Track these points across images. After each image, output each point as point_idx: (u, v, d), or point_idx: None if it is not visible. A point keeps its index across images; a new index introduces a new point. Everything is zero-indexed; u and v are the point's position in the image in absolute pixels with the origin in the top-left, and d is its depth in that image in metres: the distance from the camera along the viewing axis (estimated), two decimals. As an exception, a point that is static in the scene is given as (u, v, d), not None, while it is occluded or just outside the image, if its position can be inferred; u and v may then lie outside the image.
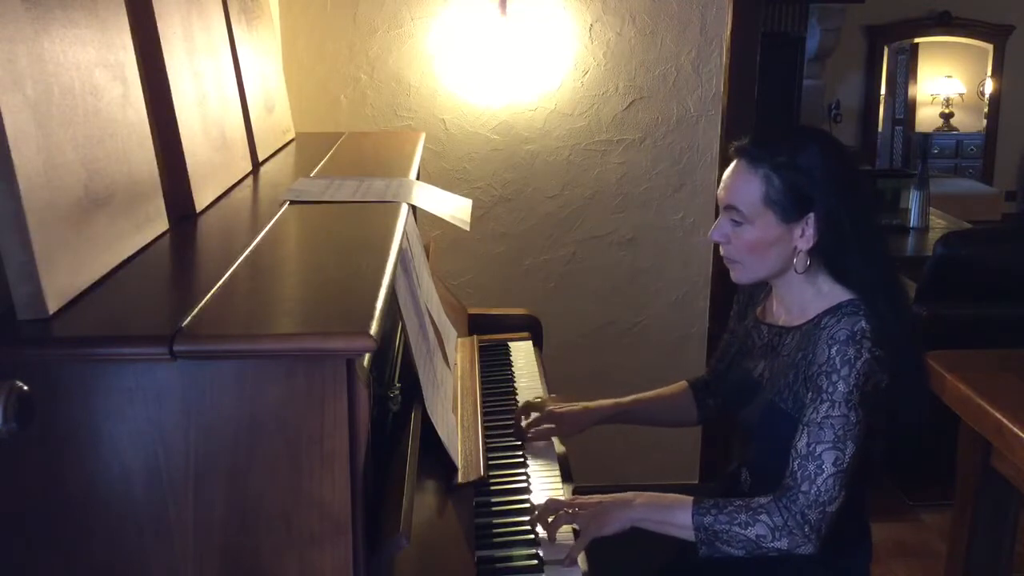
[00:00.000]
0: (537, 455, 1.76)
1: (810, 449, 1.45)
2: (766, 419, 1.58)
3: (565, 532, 1.50)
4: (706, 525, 1.47)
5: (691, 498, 1.51)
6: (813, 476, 1.44)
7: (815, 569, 1.58)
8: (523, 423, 1.81)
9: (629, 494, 1.54)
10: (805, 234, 1.52)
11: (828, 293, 1.55)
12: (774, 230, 1.53)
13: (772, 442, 1.54)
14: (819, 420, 1.45)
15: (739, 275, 1.61)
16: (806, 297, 1.57)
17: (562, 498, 1.55)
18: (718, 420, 1.98)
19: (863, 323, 1.47)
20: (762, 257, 1.55)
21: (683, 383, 1.90)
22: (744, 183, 1.53)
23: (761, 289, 1.72)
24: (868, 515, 1.68)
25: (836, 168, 1.53)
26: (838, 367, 1.45)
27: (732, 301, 1.84)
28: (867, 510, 1.68)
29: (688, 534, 1.48)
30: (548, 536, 1.48)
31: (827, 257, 1.54)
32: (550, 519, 1.49)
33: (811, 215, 1.51)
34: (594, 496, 1.54)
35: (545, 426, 1.80)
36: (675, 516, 1.49)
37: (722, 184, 1.58)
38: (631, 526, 1.51)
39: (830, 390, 1.45)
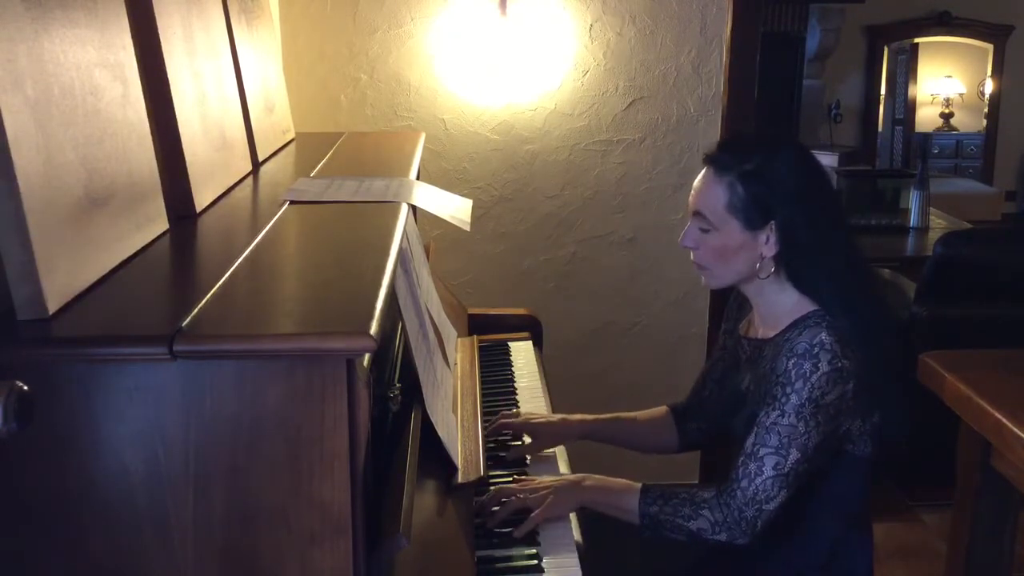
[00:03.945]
0: (537, 456, 1.75)
1: (754, 450, 1.50)
2: (750, 430, 1.58)
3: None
4: (651, 514, 1.53)
5: (639, 485, 1.56)
6: (753, 475, 1.49)
7: (816, 574, 1.58)
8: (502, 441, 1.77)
9: (578, 476, 1.60)
10: (769, 241, 1.54)
11: (797, 304, 1.56)
12: (738, 237, 1.54)
13: None
14: (767, 424, 1.49)
15: (708, 281, 1.63)
16: (778, 309, 1.59)
17: (512, 486, 1.55)
18: (702, 445, 1.97)
19: (823, 335, 1.48)
20: (728, 263, 1.57)
21: (663, 408, 1.87)
22: (710, 190, 1.56)
23: (747, 304, 1.72)
24: (870, 518, 1.68)
25: (801, 179, 1.54)
26: (792, 380, 1.48)
27: (731, 303, 1.81)
28: (869, 513, 1.68)
29: (634, 519, 1.54)
30: (495, 519, 1.48)
31: (788, 266, 1.56)
32: (495, 508, 1.50)
33: (773, 223, 1.53)
34: (544, 478, 1.58)
35: (527, 443, 1.76)
36: (623, 501, 1.55)
37: (692, 190, 1.61)
38: (580, 507, 1.55)
39: (782, 400, 1.48)
